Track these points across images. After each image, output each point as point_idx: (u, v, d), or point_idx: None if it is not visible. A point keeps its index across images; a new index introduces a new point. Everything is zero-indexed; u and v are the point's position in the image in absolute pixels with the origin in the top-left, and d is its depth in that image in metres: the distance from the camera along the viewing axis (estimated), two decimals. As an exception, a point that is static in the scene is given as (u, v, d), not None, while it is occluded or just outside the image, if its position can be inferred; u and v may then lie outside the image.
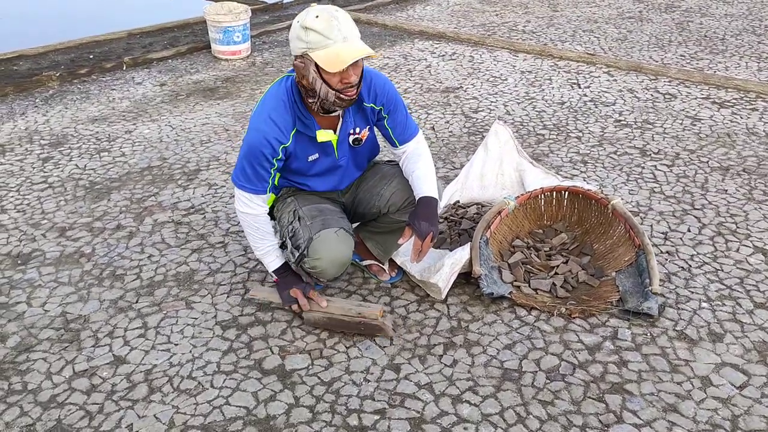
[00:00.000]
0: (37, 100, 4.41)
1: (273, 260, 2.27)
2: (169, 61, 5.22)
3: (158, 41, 5.71)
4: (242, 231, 2.85)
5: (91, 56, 5.29)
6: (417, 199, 2.23)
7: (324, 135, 2.16)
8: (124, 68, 5.00)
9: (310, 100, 2.06)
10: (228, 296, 2.46)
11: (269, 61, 5.17)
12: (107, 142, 3.76)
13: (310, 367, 2.13)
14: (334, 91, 1.99)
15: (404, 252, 2.55)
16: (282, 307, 2.34)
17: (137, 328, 2.31)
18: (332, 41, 1.92)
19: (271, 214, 2.33)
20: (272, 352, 2.19)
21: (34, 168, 3.47)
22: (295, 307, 2.27)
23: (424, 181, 2.24)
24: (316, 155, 2.21)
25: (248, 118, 4.04)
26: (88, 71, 4.86)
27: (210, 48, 5.32)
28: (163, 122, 4.04)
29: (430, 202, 2.20)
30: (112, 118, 4.11)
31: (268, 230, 2.24)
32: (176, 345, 2.23)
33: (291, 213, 2.25)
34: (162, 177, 3.37)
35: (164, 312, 2.38)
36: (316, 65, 1.95)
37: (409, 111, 4.07)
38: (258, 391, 2.03)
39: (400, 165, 2.37)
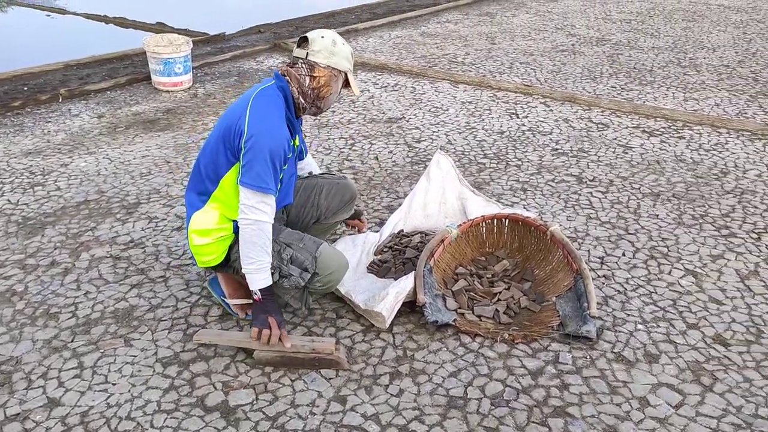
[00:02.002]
0: (-34, 133, 4.25)
1: (266, 277, 2.20)
2: (108, 92, 5.13)
3: (96, 73, 5.61)
4: (185, 265, 2.82)
5: (26, 88, 5.14)
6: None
7: (296, 140, 2.40)
8: (60, 100, 4.88)
9: (309, 105, 2.32)
10: (169, 332, 2.40)
11: (211, 93, 5.14)
12: (41, 176, 3.65)
13: (255, 402, 2.09)
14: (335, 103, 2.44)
15: (347, 281, 2.56)
16: (227, 349, 2.29)
17: (73, 368, 2.23)
18: (353, 70, 2.37)
19: (229, 257, 2.34)
20: (215, 388, 2.14)
21: (-38, 204, 3.33)
22: (265, 332, 2.17)
23: None
24: (287, 165, 2.32)
25: (190, 149, 4.02)
26: (22, 103, 4.72)
27: (150, 79, 5.26)
28: (101, 155, 3.95)
29: None
30: (47, 151, 4.00)
31: (270, 242, 2.21)
32: (114, 385, 2.15)
33: (274, 244, 2.25)
34: (99, 211, 3.28)
35: (101, 351, 2.30)
36: (345, 83, 2.34)
37: (353, 142, 4.15)
38: (200, 430, 1.98)
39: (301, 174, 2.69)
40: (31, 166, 3.78)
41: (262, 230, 2.17)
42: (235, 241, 2.31)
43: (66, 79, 5.40)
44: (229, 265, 2.38)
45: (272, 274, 2.25)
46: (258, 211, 2.16)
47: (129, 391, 2.12)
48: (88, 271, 2.78)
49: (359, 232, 2.88)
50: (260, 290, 2.19)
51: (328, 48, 2.27)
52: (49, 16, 8.62)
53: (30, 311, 2.51)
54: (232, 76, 5.59)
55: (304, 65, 2.28)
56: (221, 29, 7.06)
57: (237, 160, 2.21)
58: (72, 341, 2.35)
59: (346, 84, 2.36)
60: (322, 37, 2.29)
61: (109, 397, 2.10)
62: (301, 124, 2.58)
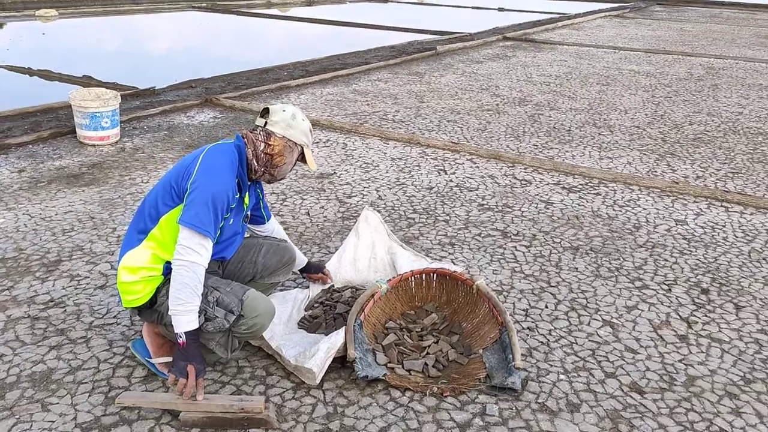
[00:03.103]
0: None
1: (193, 320, 2.20)
2: (30, 146, 4.99)
3: (18, 126, 5.45)
4: (108, 324, 2.74)
5: (-60, 140, 4.95)
6: (306, 262, 2.94)
7: (246, 198, 2.49)
8: (-22, 153, 4.72)
9: (262, 169, 2.42)
10: (90, 395, 2.31)
11: (140, 147, 5.08)
12: (-45, 233, 3.49)
13: (180, 466, 2.03)
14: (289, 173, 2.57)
15: (278, 336, 2.55)
16: (152, 411, 2.23)
17: (-17, 437, 2.11)
18: (309, 144, 2.50)
19: (156, 300, 2.34)
20: (138, 454, 2.07)
21: None
22: (181, 381, 2.15)
23: (298, 251, 2.87)
24: (232, 219, 2.41)
25: (116, 205, 3.94)
26: (-64, 156, 4.53)
27: (75, 133, 5.15)
28: (20, 211, 3.82)
29: (311, 262, 3.00)
30: (-38, 206, 3.84)
31: (201, 286, 2.22)
32: (29, 453, 2.05)
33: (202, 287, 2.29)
34: (18, 269, 3.16)
35: (16, 417, 2.19)
36: (302, 157, 2.48)
37: (284, 197, 4.18)
38: (122, 498, 1.90)
39: (265, 238, 2.78)
40: (-57, 222, 3.62)
41: (195, 272, 2.19)
42: (164, 284, 2.32)
43: (-15, 132, 5.23)
44: (155, 308, 2.36)
45: (198, 317, 2.24)
46: (194, 253, 2.20)
47: (45, 459, 2.03)
48: (4, 332, 2.66)
49: (323, 284, 2.98)
50: (185, 333, 2.18)
51: (287, 120, 2.42)
52: (-32, 66, 8.37)
53: (-63, 377, 2.37)
54: (162, 130, 5.55)
55: (262, 132, 2.43)
56: (151, 83, 7.03)
57: (180, 201, 2.29)
58: (-17, 408, 2.23)
59: (304, 158, 2.50)
60: (284, 110, 2.44)
61: (22, 466, 1.99)
62: (262, 191, 2.68)
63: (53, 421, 2.18)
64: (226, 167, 2.32)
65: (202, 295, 2.24)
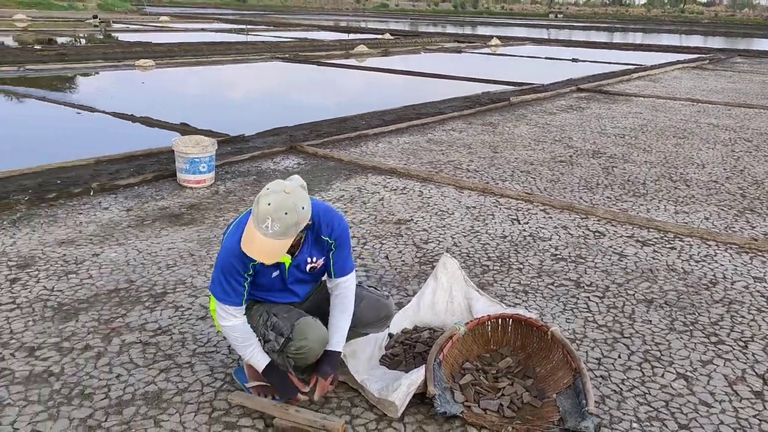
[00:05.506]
0: (4, 222, 4.54)
1: (260, 360, 2.56)
2: (136, 187, 5.47)
3: (125, 168, 5.98)
4: (209, 352, 3.02)
5: (59, 181, 5.49)
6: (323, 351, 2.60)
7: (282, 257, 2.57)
8: (92, 193, 5.22)
9: None
10: (196, 415, 2.57)
11: (231, 190, 5.48)
12: (74, 265, 3.90)
13: (276, 484, 2.23)
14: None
15: (364, 370, 2.75)
16: (251, 414, 2.51)
17: (105, 446, 2.38)
18: (257, 228, 2.28)
19: None
20: (239, 470, 2.29)
21: (2, 289, 3.56)
22: (300, 396, 2.57)
23: (335, 331, 2.63)
24: (278, 272, 2.60)
25: (212, 243, 4.29)
26: (56, 196, 5.05)
27: (175, 176, 5.62)
28: (129, 246, 4.22)
29: (333, 355, 2.61)
30: (79, 241, 4.27)
31: (249, 336, 2.56)
32: (145, 463, 2.30)
33: (264, 314, 2.60)
34: (129, 299, 3.51)
35: (133, 431, 2.47)
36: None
37: (364, 241, 4.43)
38: (225, 508, 2.12)
39: (330, 294, 2.71)
40: (65, 255, 4.05)
41: (232, 331, 2.56)
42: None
43: (97, 174, 5.76)
44: None
45: (259, 340, 2.58)
46: (221, 316, 2.55)
47: (159, 469, 2.28)
48: (120, 355, 2.98)
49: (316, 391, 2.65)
50: (263, 372, 2.56)
51: (258, 198, 2.30)
52: (79, 113, 9.17)
53: (66, 391, 2.69)
54: (251, 175, 5.96)
55: None
56: (240, 130, 7.54)
57: None
58: (106, 421, 2.52)
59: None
60: (267, 188, 2.31)
61: (140, 474, 2.25)
62: (331, 251, 2.59)
63: (165, 436, 2.45)
64: (237, 233, 2.41)
65: (263, 321, 2.57)
